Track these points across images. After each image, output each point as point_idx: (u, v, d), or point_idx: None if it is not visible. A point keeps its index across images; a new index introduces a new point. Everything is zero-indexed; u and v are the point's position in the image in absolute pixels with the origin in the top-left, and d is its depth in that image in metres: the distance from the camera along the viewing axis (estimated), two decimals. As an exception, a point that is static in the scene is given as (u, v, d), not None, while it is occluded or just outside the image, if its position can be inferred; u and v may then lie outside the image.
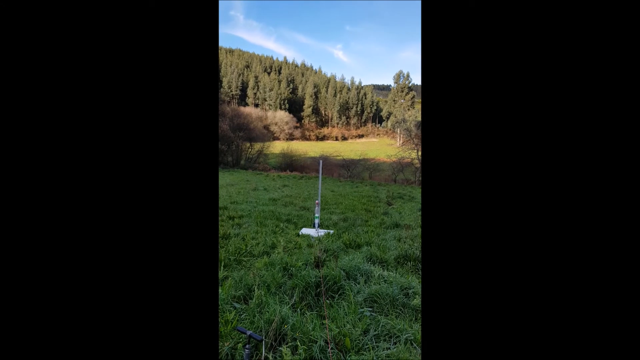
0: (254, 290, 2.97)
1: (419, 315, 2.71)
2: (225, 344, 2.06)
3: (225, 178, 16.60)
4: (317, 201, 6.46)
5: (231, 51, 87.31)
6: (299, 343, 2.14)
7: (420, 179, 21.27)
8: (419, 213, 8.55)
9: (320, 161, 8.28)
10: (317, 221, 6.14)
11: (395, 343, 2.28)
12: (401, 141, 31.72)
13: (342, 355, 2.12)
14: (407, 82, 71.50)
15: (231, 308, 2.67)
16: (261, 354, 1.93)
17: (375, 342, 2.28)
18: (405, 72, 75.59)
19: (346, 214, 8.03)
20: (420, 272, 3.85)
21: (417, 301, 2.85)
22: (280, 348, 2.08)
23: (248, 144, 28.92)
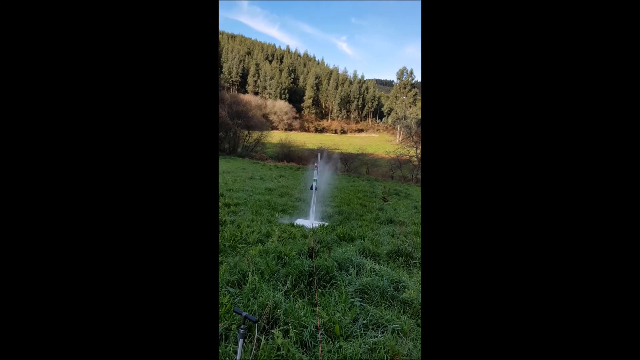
0: (248, 276, 3.04)
1: (407, 307, 2.81)
2: (220, 325, 2.14)
3: (221, 165, 16.55)
4: (315, 164, 6.68)
5: (233, 37, 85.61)
6: (290, 327, 2.22)
7: (418, 176, 21.42)
8: (414, 210, 8.66)
9: (319, 155, 8.28)
10: (314, 184, 6.27)
11: (382, 332, 2.37)
12: (400, 138, 31.77)
13: (331, 341, 2.21)
14: (410, 78, 71.05)
15: (225, 292, 2.74)
16: (254, 335, 2.00)
17: (364, 331, 2.38)
18: (409, 68, 74.86)
19: (341, 208, 8.11)
20: (410, 268, 3.95)
21: (406, 294, 2.94)
22: (272, 331, 2.16)
23: (246, 132, 28.74)
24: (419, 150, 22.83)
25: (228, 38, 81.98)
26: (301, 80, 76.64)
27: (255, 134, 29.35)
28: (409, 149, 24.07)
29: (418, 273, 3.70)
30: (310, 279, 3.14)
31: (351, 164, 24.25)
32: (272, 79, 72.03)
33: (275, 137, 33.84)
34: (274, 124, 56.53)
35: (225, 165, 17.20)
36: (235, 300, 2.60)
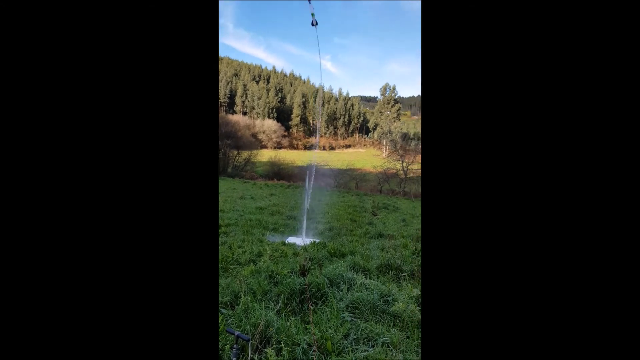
0: (241, 297, 3.07)
1: (397, 320, 2.89)
2: (213, 347, 2.17)
3: (211, 186, 16.43)
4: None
5: (220, 59, 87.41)
6: (283, 345, 2.27)
7: (405, 189, 21.84)
8: (402, 223, 8.83)
9: (312, 168, 8.27)
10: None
11: (373, 346, 2.44)
12: (387, 152, 32.50)
13: (323, 357, 2.26)
14: (393, 94, 73.56)
15: (218, 313, 2.76)
16: (247, 354, 2.04)
17: (355, 345, 2.44)
18: (391, 84, 77.85)
19: (332, 224, 8.19)
20: (400, 281, 4.05)
21: (395, 307, 3.03)
22: (265, 350, 2.20)
23: (235, 152, 28.86)
24: (405, 164, 23.41)
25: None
26: (288, 99, 78.06)
27: (244, 154, 29.50)
28: (395, 162, 24.69)
29: (407, 285, 3.80)
30: (302, 297, 3.20)
31: (340, 180, 24.54)
32: (259, 98, 73.13)
33: (265, 155, 34.06)
34: (263, 143, 56.94)
35: (214, 185, 17.09)
36: (229, 321, 2.63)
